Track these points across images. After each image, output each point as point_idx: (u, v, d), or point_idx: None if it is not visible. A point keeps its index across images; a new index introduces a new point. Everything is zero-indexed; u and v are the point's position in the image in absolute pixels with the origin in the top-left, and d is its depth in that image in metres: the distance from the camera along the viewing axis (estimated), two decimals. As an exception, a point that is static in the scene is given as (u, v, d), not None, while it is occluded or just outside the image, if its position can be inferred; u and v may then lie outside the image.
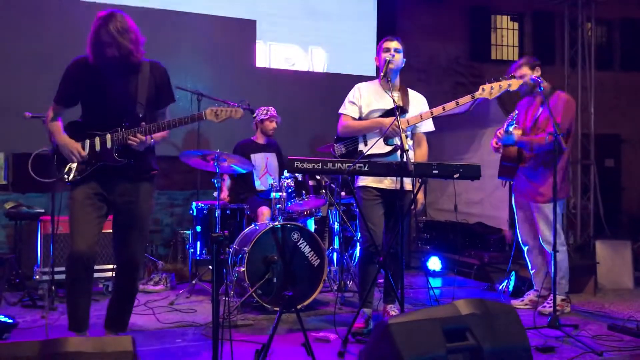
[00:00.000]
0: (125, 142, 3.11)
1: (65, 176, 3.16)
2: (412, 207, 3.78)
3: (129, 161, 3.15)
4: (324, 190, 5.04)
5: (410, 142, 3.89)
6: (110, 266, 4.68)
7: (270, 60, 7.20)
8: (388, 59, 3.76)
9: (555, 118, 4.05)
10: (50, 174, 3.27)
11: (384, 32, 7.71)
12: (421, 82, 8.99)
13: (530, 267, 4.74)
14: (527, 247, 4.71)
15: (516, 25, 9.96)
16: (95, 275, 4.73)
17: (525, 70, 4.40)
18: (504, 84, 3.64)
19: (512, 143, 4.44)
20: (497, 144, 4.56)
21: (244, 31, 7.00)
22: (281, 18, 7.17)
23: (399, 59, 3.87)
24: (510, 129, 4.39)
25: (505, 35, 9.91)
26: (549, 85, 4.44)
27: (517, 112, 4.54)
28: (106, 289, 4.88)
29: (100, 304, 4.39)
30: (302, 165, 3.33)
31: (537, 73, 4.37)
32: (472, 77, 9.03)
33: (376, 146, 3.69)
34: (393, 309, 3.96)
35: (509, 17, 9.90)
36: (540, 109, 4.44)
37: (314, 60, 7.36)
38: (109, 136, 3.13)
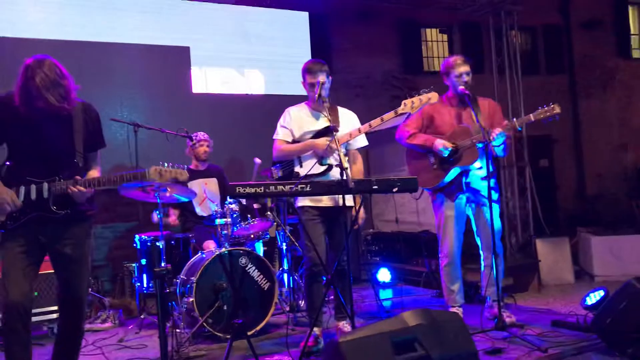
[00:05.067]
0: (64, 192, 3.00)
1: None
2: (354, 223, 3.85)
3: (66, 212, 3.04)
4: (269, 213, 5.05)
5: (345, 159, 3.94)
6: (54, 307, 4.54)
7: (207, 85, 7.19)
8: (322, 81, 3.85)
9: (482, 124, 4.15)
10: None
11: (318, 51, 7.84)
12: (359, 97, 9.16)
13: (451, 283, 4.47)
14: (456, 261, 4.43)
15: (445, 37, 10.28)
16: (39, 318, 4.62)
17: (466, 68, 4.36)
18: (424, 97, 3.73)
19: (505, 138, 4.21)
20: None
21: (178, 58, 6.96)
22: (215, 43, 7.19)
23: (325, 80, 3.90)
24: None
25: (436, 47, 10.23)
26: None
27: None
28: (51, 332, 4.72)
29: (45, 348, 4.26)
30: (244, 190, 3.33)
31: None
32: (407, 89, 9.25)
33: (310, 167, 3.78)
34: (345, 325, 3.99)
35: (437, 29, 10.21)
36: (474, 115, 4.40)
37: (251, 82, 7.40)
38: (45, 185, 3.00)
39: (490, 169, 4.07)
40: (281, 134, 4.03)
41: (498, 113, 4.46)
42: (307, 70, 3.95)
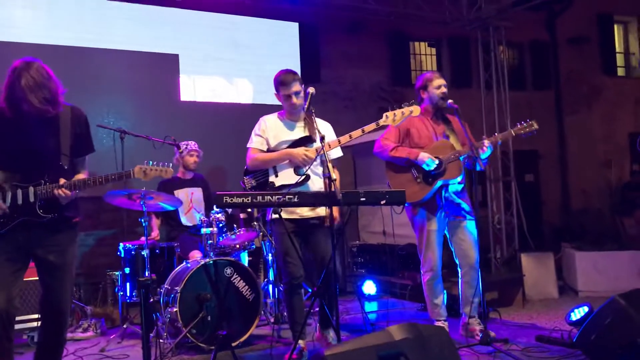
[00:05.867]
0: (50, 195, 2.97)
1: None
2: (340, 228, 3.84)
3: (52, 216, 3.01)
4: (255, 223, 5.02)
5: (320, 170, 3.89)
6: (35, 316, 4.45)
7: (196, 93, 7.16)
8: (311, 91, 3.84)
9: (471, 139, 4.21)
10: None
11: (308, 61, 7.86)
12: (347, 108, 9.18)
13: (434, 297, 4.43)
14: (439, 275, 4.40)
15: (434, 50, 10.37)
16: (20, 326, 4.53)
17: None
18: (406, 110, 3.71)
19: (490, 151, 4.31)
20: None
21: (166, 66, 6.95)
22: (204, 51, 7.17)
23: (300, 89, 3.90)
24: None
25: (424, 60, 10.30)
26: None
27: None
28: (31, 340, 4.63)
29: (24, 356, 4.18)
30: (232, 200, 3.30)
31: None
32: (395, 101, 9.28)
33: (286, 177, 3.76)
34: (330, 334, 3.95)
35: (426, 43, 10.30)
36: (461, 127, 4.32)
37: (239, 91, 7.39)
38: (32, 189, 2.98)
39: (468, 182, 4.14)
40: (256, 143, 3.97)
41: (468, 130, 4.43)
42: (280, 82, 3.90)
